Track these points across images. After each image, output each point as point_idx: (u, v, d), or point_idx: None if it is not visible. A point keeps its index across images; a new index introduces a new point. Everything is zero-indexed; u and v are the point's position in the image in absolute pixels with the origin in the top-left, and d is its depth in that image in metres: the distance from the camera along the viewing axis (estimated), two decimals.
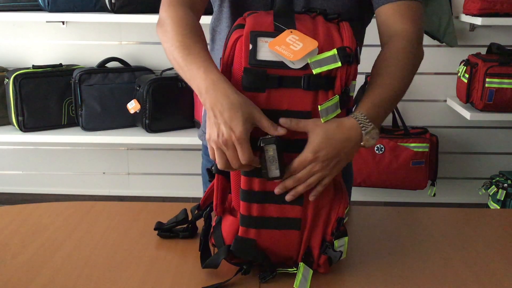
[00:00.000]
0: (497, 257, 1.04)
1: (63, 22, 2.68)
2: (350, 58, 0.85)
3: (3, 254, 1.03)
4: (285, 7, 0.88)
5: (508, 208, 2.46)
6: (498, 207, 2.50)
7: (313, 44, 0.84)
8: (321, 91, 0.86)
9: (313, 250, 0.93)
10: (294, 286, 0.90)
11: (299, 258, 0.94)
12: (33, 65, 2.50)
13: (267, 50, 0.84)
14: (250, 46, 0.84)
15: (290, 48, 0.83)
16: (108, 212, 1.22)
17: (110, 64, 2.59)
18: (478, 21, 2.37)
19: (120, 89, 2.53)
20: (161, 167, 2.92)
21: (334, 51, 0.84)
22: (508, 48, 2.42)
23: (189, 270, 0.98)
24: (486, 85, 2.34)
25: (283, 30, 0.85)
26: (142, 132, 2.53)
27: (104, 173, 2.95)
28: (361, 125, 0.88)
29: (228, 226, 0.94)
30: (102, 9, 2.49)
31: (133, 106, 2.48)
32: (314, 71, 0.83)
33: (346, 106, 0.90)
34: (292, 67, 0.84)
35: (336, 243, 0.92)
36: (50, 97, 2.49)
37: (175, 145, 2.82)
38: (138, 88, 2.48)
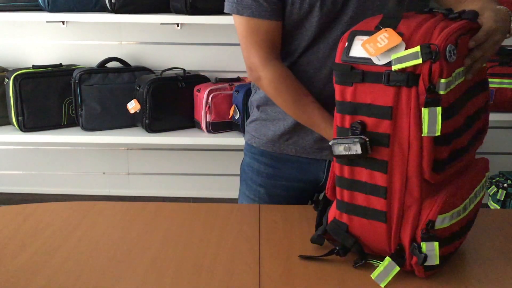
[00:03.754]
0: (497, 257, 1.04)
1: (63, 22, 2.68)
2: (433, 55, 0.84)
3: (3, 254, 1.03)
4: (395, 10, 0.92)
5: (508, 208, 2.46)
6: (498, 207, 2.50)
7: (395, 41, 0.86)
8: (403, 88, 0.87)
9: (405, 248, 0.93)
10: (371, 276, 0.91)
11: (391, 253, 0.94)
12: (33, 65, 2.50)
13: (359, 47, 0.89)
14: (346, 44, 0.90)
15: (376, 45, 0.87)
16: (108, 212, 1.22)
17: (110, 64, 2.59)
18: None
19: (120, 89, 2.53)
20: (161, 167, 2.92)
21: (418, 48, 0.85)
22: (508, 48, 2.41)
23: (189, 270, 0.98)
24: None
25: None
26: (142, 132, 2.53)
27: (104, 173, 2.95)
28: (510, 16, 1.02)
29: (333, 208, 1.01)
30: (102, 9, 2.49)
31: (133, 106, 2.48)
32: (393, 68, 0.86)
33: (436, 105, 0.87)
34: (378, 63, 0.88)
35: (424, 245, 0.90)
36: (50, 97, 2.49)
37: (175, 145, 2.82)
38: (138, 88, 2.48)
